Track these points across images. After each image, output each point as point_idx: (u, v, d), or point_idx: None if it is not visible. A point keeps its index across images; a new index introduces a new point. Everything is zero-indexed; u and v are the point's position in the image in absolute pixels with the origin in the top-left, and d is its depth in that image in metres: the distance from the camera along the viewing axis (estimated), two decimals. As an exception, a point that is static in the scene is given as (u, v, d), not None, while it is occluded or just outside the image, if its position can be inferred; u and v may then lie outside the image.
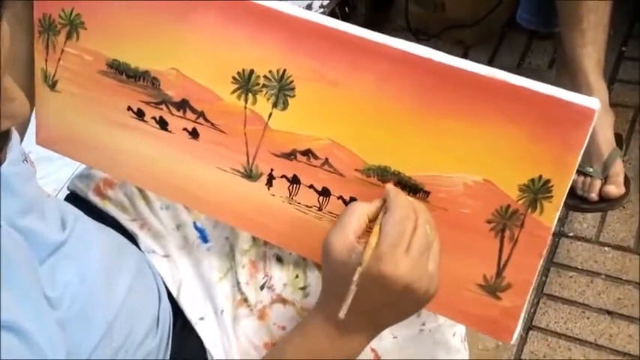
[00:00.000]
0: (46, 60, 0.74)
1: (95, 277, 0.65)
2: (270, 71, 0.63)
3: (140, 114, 0.71)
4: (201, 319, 0.76)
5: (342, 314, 0.55)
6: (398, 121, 0.61)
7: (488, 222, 0.60)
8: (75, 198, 0.83)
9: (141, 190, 0.80)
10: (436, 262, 0.58)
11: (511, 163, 0.58)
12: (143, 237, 0.79)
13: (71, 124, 0.75)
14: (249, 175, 0.68)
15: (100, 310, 0.64)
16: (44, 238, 0.61)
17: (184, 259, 0.79)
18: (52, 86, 0.74)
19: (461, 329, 0.78)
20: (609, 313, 1.34)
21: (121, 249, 0.73)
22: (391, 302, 0.58)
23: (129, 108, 0.71)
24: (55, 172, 1.26)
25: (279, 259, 0.76)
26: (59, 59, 0.73)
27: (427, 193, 0.62)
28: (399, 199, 0.59)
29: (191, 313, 0.76)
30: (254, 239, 0.77)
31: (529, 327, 1.35)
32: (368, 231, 0.59)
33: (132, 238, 0.79)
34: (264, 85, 0.64)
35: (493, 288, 0.62)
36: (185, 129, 0.69)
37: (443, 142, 0.60)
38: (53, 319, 0.56)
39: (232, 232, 0.78)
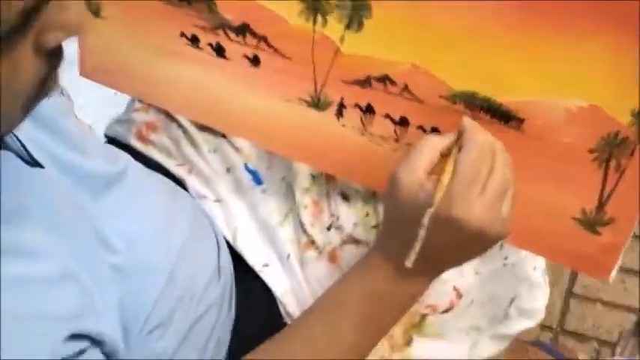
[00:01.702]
0: (88, -18, 0.67)
1: (154, 220, 0.61)
2: (343, -13, 0.56)
3: (194, 40, 0.65)
4: (266, 265, 0.72)
5: (408, 263, 0.51)
6: (488, 40, 0.54)
7: (591, 151, 0.54)
8: (114, 144, 0.76)
9: (186, 133, 0.74)
10: (510, 206, 0.54)
11: (622, 84, 0.51)
12: (192, 182, 0.74)
13: (118, 53, 0.69)
14: (317, 104, 0.62)
15: (161, 256, 0.60)
16: (95, 172, 0.56)
17: (238, 203, 0.73)
18: (96, 12, 0.68)
19: (541, 262, 0.74)
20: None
21: (175, 193, 0.69)
22: (458, 246, 0.54)
23: (182, 34, 0.65)
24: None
25: (345, 197, 0.71)
26: (102, -19, 0.66)
27: (521, 121, 0.56)
28: (477, 135, 0.53)
29: (253, 260, 0.71)
30: (314, 177, 0.71)
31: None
32: (439, 167, 0.54)
33: (180, 184, 0.74)
34: (336, 5, 0.57)
35: (592, 222, 0.57)
36: (245, 56, 0.63)
37: (541, 62, 0.53)
38: (106, 266, 0.52)
39: (289, 171, 0.72)
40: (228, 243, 0.72)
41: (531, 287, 0.73)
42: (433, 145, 0.54)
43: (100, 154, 0.59)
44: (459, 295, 0.70)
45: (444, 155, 0.54)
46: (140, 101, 0.77)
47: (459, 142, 0.54)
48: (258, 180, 0.73)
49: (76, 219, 0.51)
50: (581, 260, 0.59)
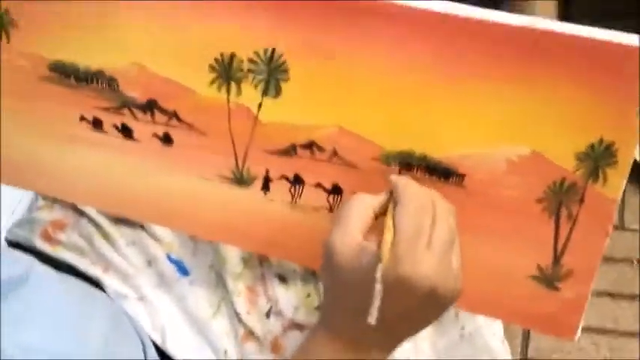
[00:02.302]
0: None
1: (62, 329, 0.53)
2: (255, 52, 0.52)
3: (97, 124, 0.58)
4: None
5: (371, 319, 0.44)
6: (418, 94, 0.50)
7: (539, 201, 0.51)
8: (18, 249, 0.68)
9: (99, 228, 0.66)
10: (459, 260, 0.49)
11: (564, 127, 0.48)
12: (109, 281, 0.66)
13: (15, 148, 0.62)
14: (241, 180, 0.57)
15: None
16: None
17: (164, 298, 0.66)
18: (-14, 104, 0.61)
19: (499, 328, 0.69)
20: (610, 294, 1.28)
21: (88, 296, 0.60)
22: (413, 310, 0.48)
23: (82, 118, 0.59)
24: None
25: (283, 279, 0.65)
26: (-10, 69, 0.60)
27: (462, 177, 0.52)
28: (411, 188, 0.49)
29: None
30: (245, 260, 0.65)
31: None
32: (375, 228, 0.49)
33: (97, 285, 0.66)
34: (249, 71, 0.53)
35: (550, 278, 0.53)
36: (155, 135, 0.57)
37: (476, 112, 0.50)
38: None
39: (217, 257, 0.65)
40: (156, 345, 0.64)
41: (491, 356, 0.68)
42: (365, 205, 0.49)
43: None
44: None
45: (378, 216, 0.49)
46: (44, 198, 0.69)
47: (392, 198, 0.49)
48: (183, 270, 0.66)
49: None
50: (545, 321, 0.55)
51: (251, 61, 0.52)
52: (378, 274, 0.45)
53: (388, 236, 0.46)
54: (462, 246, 0.51)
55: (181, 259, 0.66)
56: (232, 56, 0.52)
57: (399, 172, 0.52)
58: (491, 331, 0.67)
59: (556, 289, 0.53)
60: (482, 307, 0.56)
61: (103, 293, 0.64)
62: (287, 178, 0.56)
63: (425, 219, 0.47)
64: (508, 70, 0.48)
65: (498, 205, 0.51)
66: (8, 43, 0.58)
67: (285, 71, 0.52)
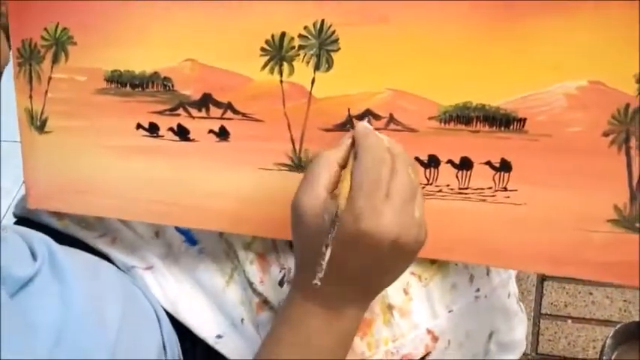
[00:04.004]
0: (31, 97, 0.62)
1: (80, 309, 0.53)
2: (305, 27, 0.54)
3: (153, 129, 0.60)
4: (220, 337, 0.62)
5: (316, 280, 0.44)
6: (468, 44, 0.51)
7: (606, 134, 0.50)
8: (25, 224, 0.68)
9: None
10: (422, 208, 0.48)
11: (618, 50, 0.48)
12: (117, 253, 0.66)
13: (70, 169, 0.63)
14: (299, 164, 0.57)
15: (96, 345, 0.52)
16: (10, 273, 0.50)
17: (173, 269, 0.65)
18: (41, 127, 0.63)
19: (514, 288, 0.67)
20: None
21: (99, 271, 0.60)
22: (379, 262, 0.48)
23: (138, 126, 0.60)
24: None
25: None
26: (46, 91, 0.62)
27: (523, 121, 0.51)
28: (369, 139, 0.49)
29: (204, 332, 0.62)
30: None
31: (542, 278, 1.25)
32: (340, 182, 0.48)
33: (105, 257, 0.66)
34: (300, 47, 0.54)
35: (631, 219, 0.51)
36: (211, 131, 0.58)
37: (527, 52, 0.50)
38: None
39: None
40: (170, 315, 0.63)
41: (508, 317, 0.66)
42: (329, 160, 0.49)
43: (25, 251, 0.54)
44: (435, 338, 0.61)
45: (344, 167, 0.49)
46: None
47: (353, 150, 0.49)
48: (191, 240, 0.65)
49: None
50: (629, 270, 0.52)
51: (301, 37, 0.54)
52: (329, 237, 0.44)
53: (344, 192, 0.46)
54: (534, 199, 0.50)
55: (189, 229, 0.65)
56: (283, 35, 0.54)
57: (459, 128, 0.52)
58: (506, 292, 0.66)
59: (637, 230, 0.51)
60: (559, 266, 0.54)
61: (111, 266, 0.64)
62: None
63: (383, 172, 0.47)
64: (553, 4, 0.49)
65: (564, 145, 0.51)
66: (67, 62, 0.60)
67: (336, 41, 0.53)
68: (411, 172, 0.48)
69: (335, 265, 0.45)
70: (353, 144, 0.50)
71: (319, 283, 0.44)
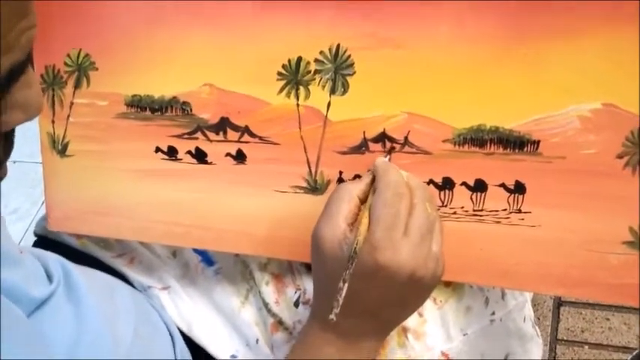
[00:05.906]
0: (53, 121, 0.64)
1: (94, 329, 0.53)
2: (321, 52, 0.55)
3: (172, 152, 0.61)
4: (234, 356, 0.63)
5: (332, 315, 0.45)
6: (482, 67, 0.52)
7: (620, 156, 0.50)
8: (45, 242, 0.70)
9: None
10: (440, 243, 0.50)
11: (630, 72, 0.49)
12: (134, 274, 0.67)
13: (90, 192, 0.64)
14: (314, 187, 0.57)
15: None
16: (27, 293, 0.50)
17: (190, 290, 0.66)
18: (63, 151, 0.64)
19: (529, 311, 0.67)
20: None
21: (113, 291, 0.61)
22: (395, 295, 0.49)
23: (157, 149, 0.61)
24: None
25: (310, 267, 0.63)
26: (68, 116, 0.63)
27: (537, 144, 0.52)
28: (389, 174, 0.51)
29: (218, 352, 0.63)
30: None
31: (559, 303, 1.24)
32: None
33: (122, 278, 0.66)
34: (316, 72, 0.55)
35: (645, 240, 0.51)
36: (228, 154, 0.59)
37: (540, 75, 0.51)
38: None
39: None
40: (184, 334, 0.64)
41: (524, 341, 0.66)
42: (350, 193, 0.51)
43: (41, 272, 0.55)
44: None
45: (364, 201, 0.51)
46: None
47: (373, 185, 0.51)
48: (208, 260, 0.66)
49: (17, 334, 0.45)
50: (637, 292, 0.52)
51: (317, 61, 0.55)
52: (346, 272, 0.46)
53: (363, 226, 0.48)
54: (549, 221, 0.51)
55: (206, 250, 0.65)
56: (299, 60, 0.56)
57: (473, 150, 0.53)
58: (521, 316, 0.65)
59: (653, 252, 0.51)
60: (576, 289, 0.54)
61: (126, 286, 0.64)
62: (359, 177, 0.56)
63: (401, 207, 0.48)
64: (567, 26, 0.50)
65: (578, 167, 0.51)
66: (88, 87, 0.62)
67: (351, 65, 0.54)
68: (429, 207, 0.49)
69: (352, 298, 0.46)
70: (373, 180, 0.51)
71: (335, 319, 0.45)
